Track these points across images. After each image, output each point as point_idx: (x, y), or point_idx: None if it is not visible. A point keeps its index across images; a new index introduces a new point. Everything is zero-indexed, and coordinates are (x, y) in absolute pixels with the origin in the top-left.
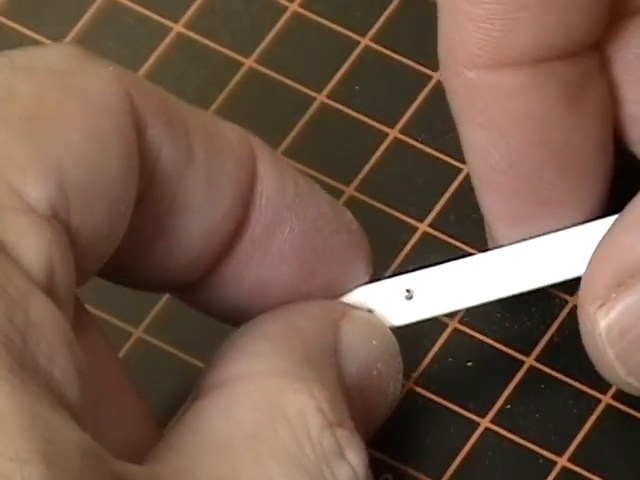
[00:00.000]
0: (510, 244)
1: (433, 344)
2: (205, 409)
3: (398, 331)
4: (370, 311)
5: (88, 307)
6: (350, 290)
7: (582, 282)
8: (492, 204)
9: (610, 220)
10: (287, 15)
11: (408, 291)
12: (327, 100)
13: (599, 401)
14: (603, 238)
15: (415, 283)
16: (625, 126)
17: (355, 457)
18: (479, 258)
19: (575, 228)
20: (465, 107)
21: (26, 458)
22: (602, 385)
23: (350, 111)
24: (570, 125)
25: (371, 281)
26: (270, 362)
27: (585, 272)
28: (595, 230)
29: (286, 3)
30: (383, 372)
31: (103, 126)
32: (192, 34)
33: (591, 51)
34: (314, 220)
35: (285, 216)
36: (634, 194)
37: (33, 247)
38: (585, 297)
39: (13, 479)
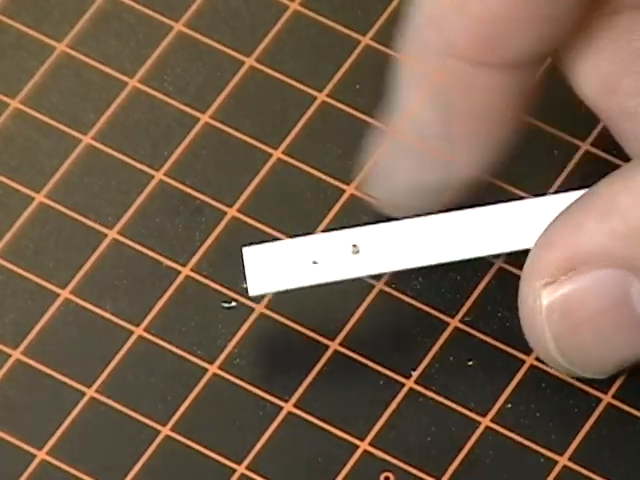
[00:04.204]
0: (461, 209)
1: (434, 343)
2: None
3: (398, 331)
4: (315, 262)
5: (87, 306)
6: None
7: (532, 254)
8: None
9: (562, 197)
10: (288, 14)
11: (354, 246)
12: (327, 99)
13: (599, 400)
14: (562, 215)
15: (362, 239)
16: (618, 121)
17: None
18: (428, 220)
19: (527, 200)
20: (418, 79)
21: None
22: (602, 385)
23: (351, 110)
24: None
25: (315, 233)
26: None
27: (536, 245)
28: (546, 205)
29: (287, 2)
30: None
31: None
32: (193, 33)
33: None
34: None
35: None
36: None
37: None
38: (533, 270)
39: None
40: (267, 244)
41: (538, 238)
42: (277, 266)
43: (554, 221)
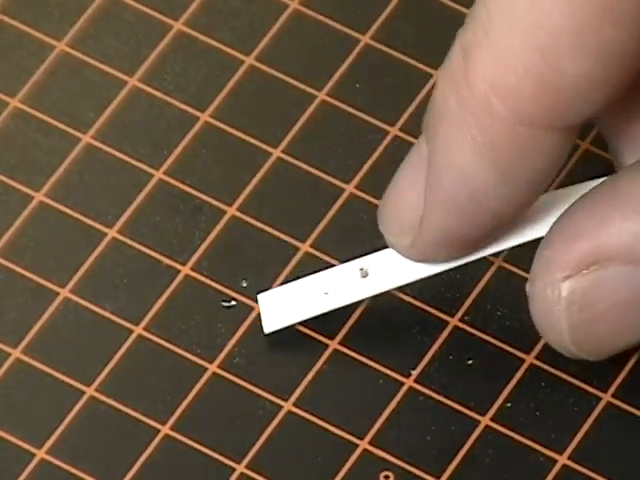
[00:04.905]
0: None
1: (433, 342)
2: None
3: (398, 330)
4: (326, 293)
5: (87, 305)
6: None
7: (552, 244)
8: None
9: (562, 193)
10: (287, 13)
11: (362, 269)
12: (327, 98)
13: (599, 399)
14: (585, 207)
15: (370, 263)
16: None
17: None
18: None
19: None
20: (480, 138)
21: None
22: (602, 383)
23: (350, 109)
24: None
25: (325, 267)
26: None
27: (557, 236)
28: (547, 201)
29: (286, 1)
30: None
31: None
32: (192, 32)
33: None
34: None
35: None
36: None
37: None
38: (554, 262)
39: None
40: (280, 287)
41: (557, 227)
42: (290, 304)
43: (576, 212)
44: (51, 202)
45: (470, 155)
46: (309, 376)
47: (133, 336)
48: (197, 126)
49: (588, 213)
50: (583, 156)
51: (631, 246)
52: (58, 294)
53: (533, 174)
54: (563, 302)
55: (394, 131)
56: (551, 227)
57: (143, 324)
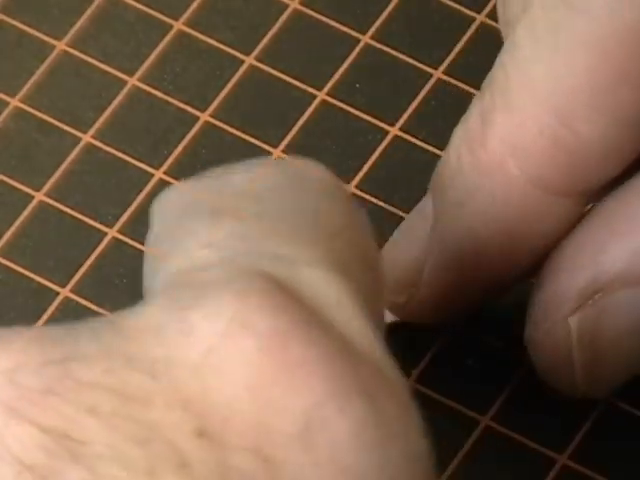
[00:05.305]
0: None
1: (433, 342)
2: None
3: (397, 329)
4: None
5: (87, 304)
6: None
7: (548, 288)
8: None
9: None
10: (288, 13)
11: None
12: (327, 98)
13: (599, 400)
14: (580, 238)
15: None
16: None
17: None
18: None
19: None
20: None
21: None
22: None
23: (350, 109)
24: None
25: None
26: None
27: (555, 271)
28: None
29: (287, 1)
30: None
31: None
32: (192, 31)
33: None
34: None
35: None
36: None
37: None
38: (558, 300)
39: None
40: None
41: (547, 270)
42: None
43: (564, 249)
44: (51, 202)
45: (479, 217)
46: None
47: None
48: (197, 126)
49: (580, 244)
50: None
51: (631, 267)
52: (58, 294)
53: (541, 238)
54: (574, 336)
55: (394, 131)
56: (540, 272)
57: None
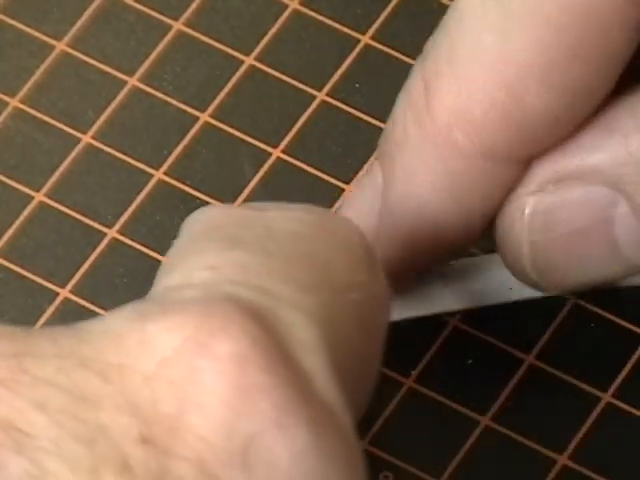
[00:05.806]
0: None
1: (433, 342)
2: None
3: (398, 329)
4: None
5: (87, 305)
6: None
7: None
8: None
9: None
10: (287, 13)
11: None
12: (327, 98)
13: (599, 399)
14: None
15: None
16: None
17: None
18: (463, 262)
19: None
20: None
21: None
22: (602, 383)
23: (350, 109)
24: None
25: None
26: None
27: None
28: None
29: (286, 1)
30: None
31: None
32: (192, 32)
33: None
34: None
35: None
36: None
37: None
38: (521, 182)
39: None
40: None
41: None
42: None
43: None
44: (51, 202)
45: (428, 186)
46: None
47: None
48: (197, 126)
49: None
50: None
51: (601, 166)
52: (58, 294)
53: (490, 204)
54: (527, 218)
55: None
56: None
57: None
